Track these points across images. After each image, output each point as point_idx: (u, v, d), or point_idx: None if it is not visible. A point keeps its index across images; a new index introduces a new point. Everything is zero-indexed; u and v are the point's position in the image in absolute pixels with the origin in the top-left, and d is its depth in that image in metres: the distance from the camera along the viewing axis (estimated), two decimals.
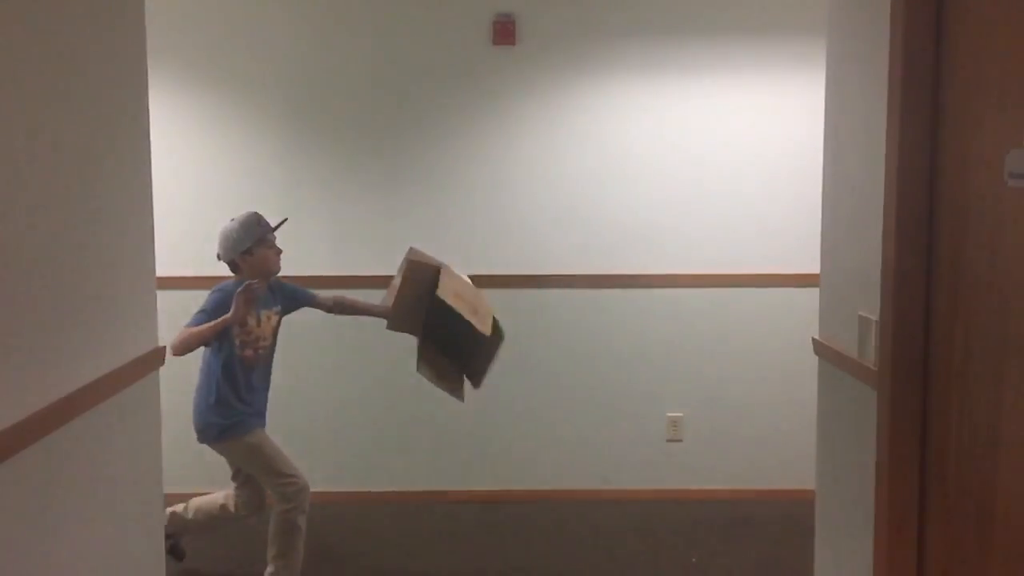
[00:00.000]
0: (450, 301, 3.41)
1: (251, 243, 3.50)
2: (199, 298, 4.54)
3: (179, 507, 3.74)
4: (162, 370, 2.67)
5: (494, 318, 3.60)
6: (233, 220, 3.55)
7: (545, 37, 4.51)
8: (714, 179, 4.55)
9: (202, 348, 3.48)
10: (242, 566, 3.92)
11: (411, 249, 3.65)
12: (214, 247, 4.64)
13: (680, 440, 4.67)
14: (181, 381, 4.44)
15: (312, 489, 3.87)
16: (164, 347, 2.65)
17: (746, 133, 4.54)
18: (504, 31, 4.47)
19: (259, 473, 3.54)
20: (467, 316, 3.41)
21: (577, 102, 4.54)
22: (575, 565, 3.91)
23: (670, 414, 4.66)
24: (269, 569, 3.46)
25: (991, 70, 1.88)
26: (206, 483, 4.59)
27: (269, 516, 3.53)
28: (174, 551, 3.78)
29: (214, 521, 3.71)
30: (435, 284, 3.50)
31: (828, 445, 2.73)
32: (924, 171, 2.11)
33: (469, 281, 3.82)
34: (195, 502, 3.74)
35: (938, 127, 2.09)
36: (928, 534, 2.18)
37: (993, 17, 1.88)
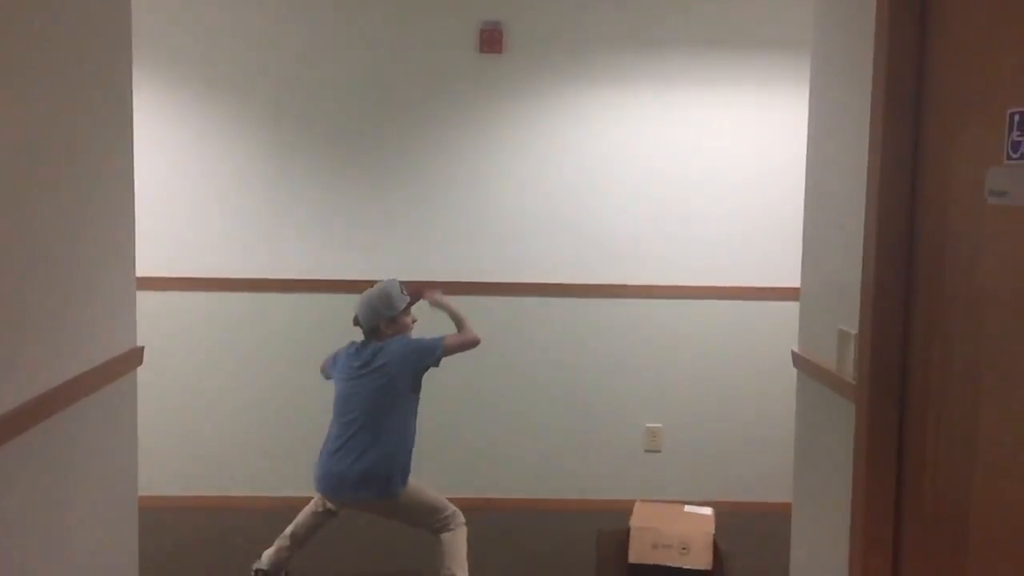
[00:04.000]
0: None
1: (398, 311, 3.56)
2: (181, 299, 4.54)
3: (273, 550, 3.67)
4: (140, 371, 2.65)
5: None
6: (374, 287, 3.59)
7: (532, 46, 4.52)
8: (696, 192, 4.58)
9: (382, 405, 3.52)
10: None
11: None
12: (198, 248, 4.64)
13: (658, 451, 4.68)
14: (159, 382, 4.42)
15: (292, 495, 3.87)
16: (142, 347, 2.63)
17: (729, 147, 4.57)
18: (491, 39, 4.48)
19: (424, 510, 3.53)
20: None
21: (563, 111, 4.55)
22: (552, 574, 3.90)
23: (649, 425, 4.67)
24: None
25: (973, 88, 1.90)
26: (180, 486, 4.57)
27: None
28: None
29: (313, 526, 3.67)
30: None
31: (806, 458, 2.74)
32: (905, 187, 2.13)
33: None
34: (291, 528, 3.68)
35: (919, 144, 2.11)
36: (904, 547, 2.19)
37: (975, 36, 1.90)
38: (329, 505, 3.63)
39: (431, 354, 3.55)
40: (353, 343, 3.65)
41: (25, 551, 2.01)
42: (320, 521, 3.67)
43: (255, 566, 3.66)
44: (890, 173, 2.14)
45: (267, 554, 3.67)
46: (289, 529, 3.66)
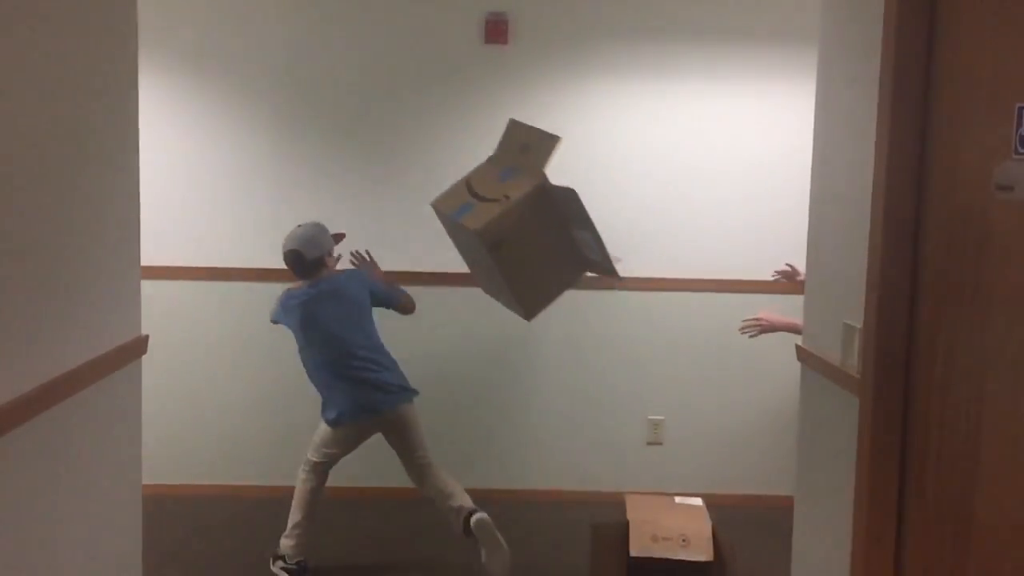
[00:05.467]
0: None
1: (334, 244, 3.80)
2: (186, 288, 4.54)
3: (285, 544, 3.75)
4: (144, 359, 2.65)
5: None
6: (302, 227, 3.75)
7: (537, 37, 4.51)
8: (701, 184, 4.57)
9: (362, 325, 3.76)
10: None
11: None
12: (203, 238, 4.64)
13: (660, 443, 4.69)
14: (163, 371, 4.43)
15: (295, 484, 3.91)
16: (147, 336, 2.63)
17: (735, 139, 4.56)
18: (496, 30, 4.47)
19: (421, 435, 3.80)
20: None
21: (567, 103, 4.54)
22: (552, 564, 3.91)
23: (651, 417, 4.68)
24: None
25: (981, 82, 1.89)
26: (184, 475, 4.58)
27: None
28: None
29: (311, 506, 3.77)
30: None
31: (809, 452, 2.74)
32: (912, 181, 2.12)
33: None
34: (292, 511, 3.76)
35: (927, 137, 2.10)
36: (906, 543, 2.19)
37: (985, 29, 1.90)
38: (314, 459, 3.73)
39: (386, 296, 3.86)
40: (283, 300, 3.78)
41: (29, 538, 2.02)
42: (318, 485, 3.76)
43: (291, 561, 3.70)
44: (897, 167, 2.13)
45: (289, 546, 3.71)
46: (299, 513, 3.72)
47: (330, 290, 3.71)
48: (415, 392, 3.79)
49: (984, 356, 1.85)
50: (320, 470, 3.74)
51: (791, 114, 4.47)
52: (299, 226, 3.78)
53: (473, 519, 3.58)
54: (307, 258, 3.69)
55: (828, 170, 2.61)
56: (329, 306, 3.68)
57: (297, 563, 3.70)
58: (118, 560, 2.54)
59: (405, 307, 3.95)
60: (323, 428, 3.73)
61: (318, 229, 3.77)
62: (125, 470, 2.56)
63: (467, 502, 3.67)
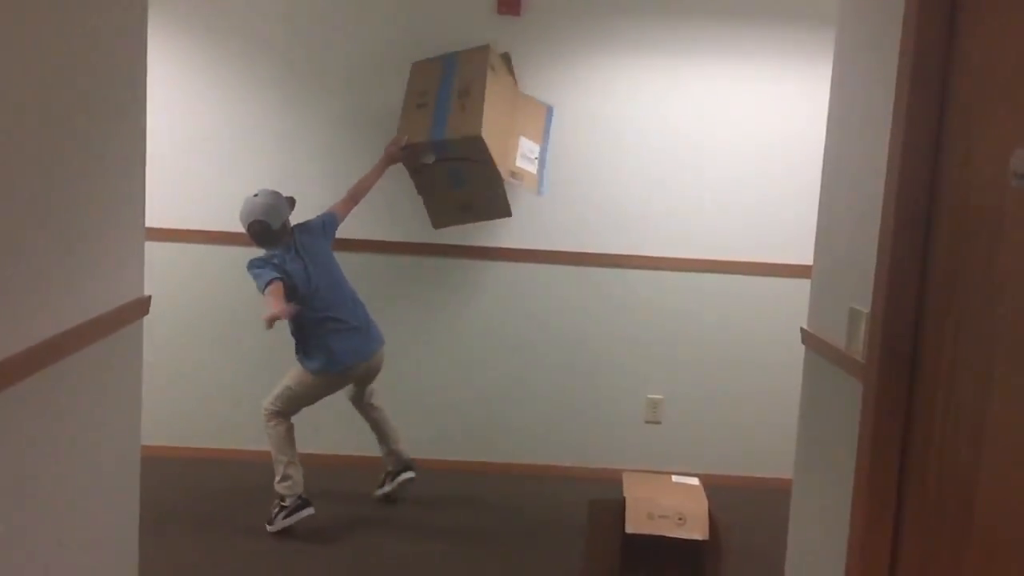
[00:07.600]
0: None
1: (289, 210, 3.86)
2: (190, 250, 4.53)
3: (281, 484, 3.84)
4: (147, 320, 2.65)
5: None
6: (259, 195, 3.77)
7: (550, 9, 4.46)
8: (711, 164, 4.54)
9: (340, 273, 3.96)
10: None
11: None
12: (209, 200, 4.61)
13: (659, 422, 4.69)
14: (166, 332, 4.43)
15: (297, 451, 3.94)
16: (149, 296, 2.63)
17: (747, 119, 4.52)
18: (509, 0, 4.42)
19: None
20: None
21: (578, 77, 4.50)
22: (548, 539, 3.93)
23: (650, 396, 4.68)
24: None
25: (1002, 68, 1.86)
26: (183, 438, 4.59)
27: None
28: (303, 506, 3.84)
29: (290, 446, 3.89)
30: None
31: (809, 435, 2.73)
32: (927, 167, 2.10)
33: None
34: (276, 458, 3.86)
35: (944, 123, 2.08)
36: (904, 527, 2.19)
37: (1006, 15, 1.87)
38: (276, 407, 3.87)
39: (333, 226, 3.99)
40: (269, 261, 3.75)
41: (26, 493, 2.02)
42: (291, 425, 3.91)
43: (291, 500, 3.80)
44: (912, 151, 2.11)
45: (287, 487, 3.80)
46: (284, 455, 3.82)
47: (300, 253, 3.81)
48: (382, 339, 4.00)
49: (992, 345, 1.84)
50: (288, 417, 3.86)
51: (804, 96, 4.43)
52: (255, 195, 3.79)
53: (404, 475, 4.10)
54: (273, 228, 3.73)
55: (841, 153, 2.59)
56: (310, 264, 3.79)
57: (299, 498, 3.78)
58: (115, 518, 2.56)
59: (350, 204, 4.06)
60: (300, 377, 3.83)
61: (276, 196, 3.80)
62: (124, 429, 2.56)
63: (407, 453, 4.14)
